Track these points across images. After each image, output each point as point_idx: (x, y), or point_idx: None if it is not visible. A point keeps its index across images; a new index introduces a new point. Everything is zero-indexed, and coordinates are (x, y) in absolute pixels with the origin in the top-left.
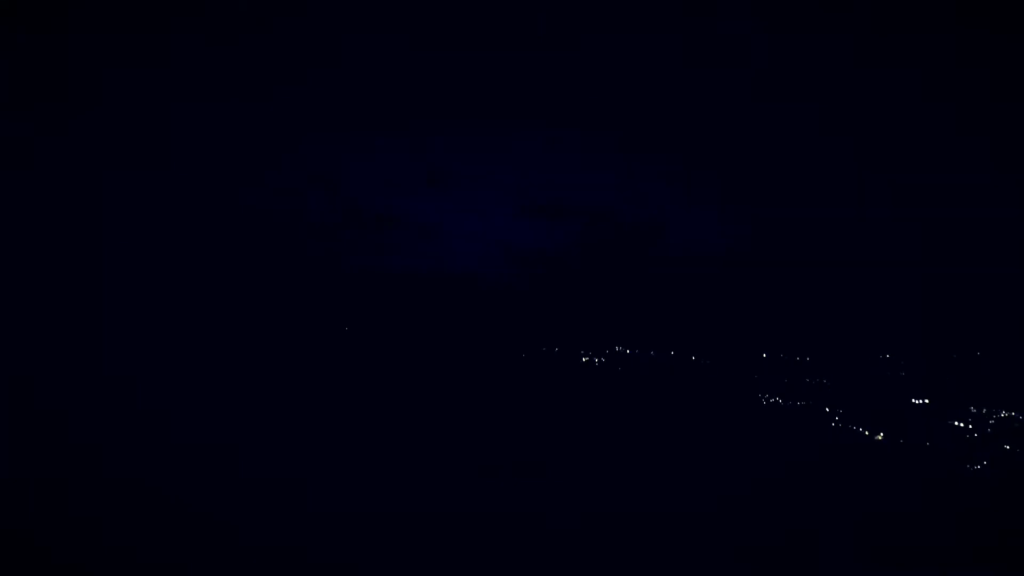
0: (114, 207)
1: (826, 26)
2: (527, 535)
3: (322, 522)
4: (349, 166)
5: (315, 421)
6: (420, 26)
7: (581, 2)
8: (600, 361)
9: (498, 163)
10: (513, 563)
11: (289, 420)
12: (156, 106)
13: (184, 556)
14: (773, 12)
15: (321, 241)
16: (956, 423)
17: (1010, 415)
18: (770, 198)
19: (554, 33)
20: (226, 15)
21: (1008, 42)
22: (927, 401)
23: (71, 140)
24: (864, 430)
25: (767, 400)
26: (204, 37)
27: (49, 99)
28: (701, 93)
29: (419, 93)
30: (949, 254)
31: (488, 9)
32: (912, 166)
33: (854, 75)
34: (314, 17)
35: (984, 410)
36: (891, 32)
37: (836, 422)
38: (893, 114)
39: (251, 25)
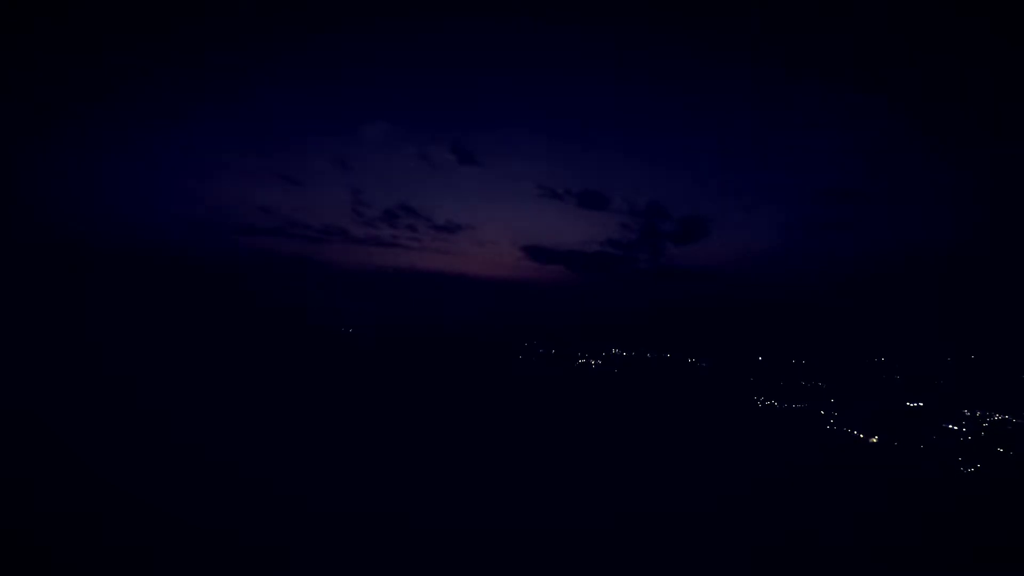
0: (113, 203)
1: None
2: (524, 535)
3: (321, 523)
4: (362, 156)
5: (314, 421)
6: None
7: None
8: (596, 363)
9: (524, 154)
10: (513, 562)
11: (287, 420)
12: (157, 105)
13: (183, 557)
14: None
15: (323, 237)
16: (950, 426)
17: (1003, 418)
18: (776, 203)
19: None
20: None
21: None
22: (921, 404)
23: (69, 140)
24: (859, 432)
25: (763, 403)
26: (207, 34)
27: (42, 100)
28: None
29: (446, 80)
30: (945, 258)
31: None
32: (911, 170)
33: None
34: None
35: (977, 413)
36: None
37: (831, 425)
38: (892, 119)
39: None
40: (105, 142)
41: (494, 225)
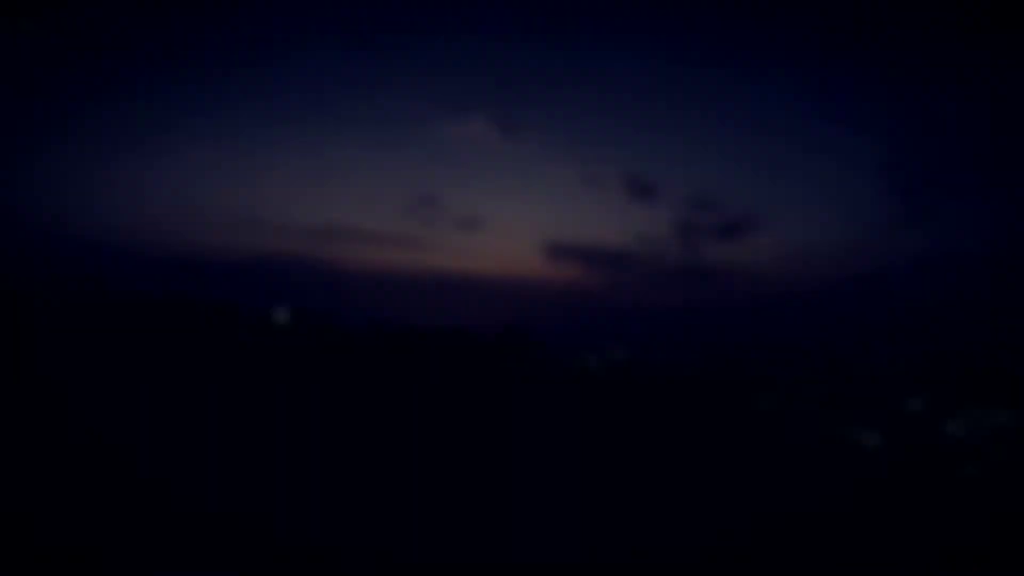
0: (112, 203)
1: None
2: (520, 545)
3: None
4: (375, 141)
5: (313, 423)
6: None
7: None
8: (597, 363)
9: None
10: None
11: (287, 422)
12: (156, 103)
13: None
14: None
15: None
16: (951, 426)
17: (1004, 418)
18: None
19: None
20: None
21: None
22: (921, 404)
23: (69, 140)
24: (858, 432)
25: (761, 402)
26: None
27: (42, 100)
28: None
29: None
30: (945, 257)
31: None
32: (914, 172)
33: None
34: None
35: (979, 412)
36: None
37: (830, 424)
38: (905, 121)
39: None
40: (105, 142)
41: (516, 216)
